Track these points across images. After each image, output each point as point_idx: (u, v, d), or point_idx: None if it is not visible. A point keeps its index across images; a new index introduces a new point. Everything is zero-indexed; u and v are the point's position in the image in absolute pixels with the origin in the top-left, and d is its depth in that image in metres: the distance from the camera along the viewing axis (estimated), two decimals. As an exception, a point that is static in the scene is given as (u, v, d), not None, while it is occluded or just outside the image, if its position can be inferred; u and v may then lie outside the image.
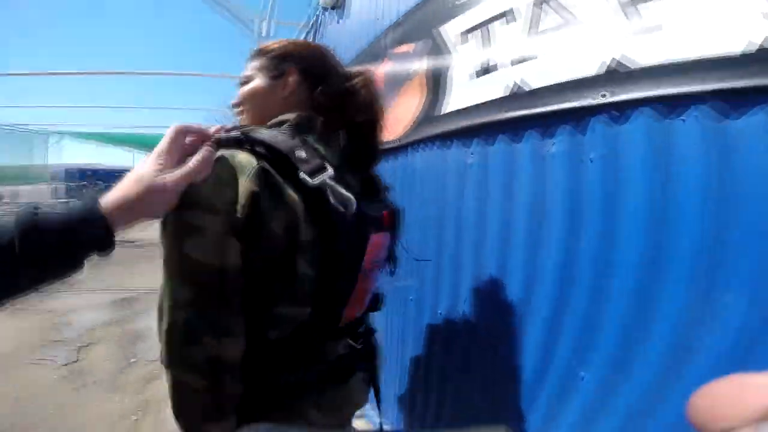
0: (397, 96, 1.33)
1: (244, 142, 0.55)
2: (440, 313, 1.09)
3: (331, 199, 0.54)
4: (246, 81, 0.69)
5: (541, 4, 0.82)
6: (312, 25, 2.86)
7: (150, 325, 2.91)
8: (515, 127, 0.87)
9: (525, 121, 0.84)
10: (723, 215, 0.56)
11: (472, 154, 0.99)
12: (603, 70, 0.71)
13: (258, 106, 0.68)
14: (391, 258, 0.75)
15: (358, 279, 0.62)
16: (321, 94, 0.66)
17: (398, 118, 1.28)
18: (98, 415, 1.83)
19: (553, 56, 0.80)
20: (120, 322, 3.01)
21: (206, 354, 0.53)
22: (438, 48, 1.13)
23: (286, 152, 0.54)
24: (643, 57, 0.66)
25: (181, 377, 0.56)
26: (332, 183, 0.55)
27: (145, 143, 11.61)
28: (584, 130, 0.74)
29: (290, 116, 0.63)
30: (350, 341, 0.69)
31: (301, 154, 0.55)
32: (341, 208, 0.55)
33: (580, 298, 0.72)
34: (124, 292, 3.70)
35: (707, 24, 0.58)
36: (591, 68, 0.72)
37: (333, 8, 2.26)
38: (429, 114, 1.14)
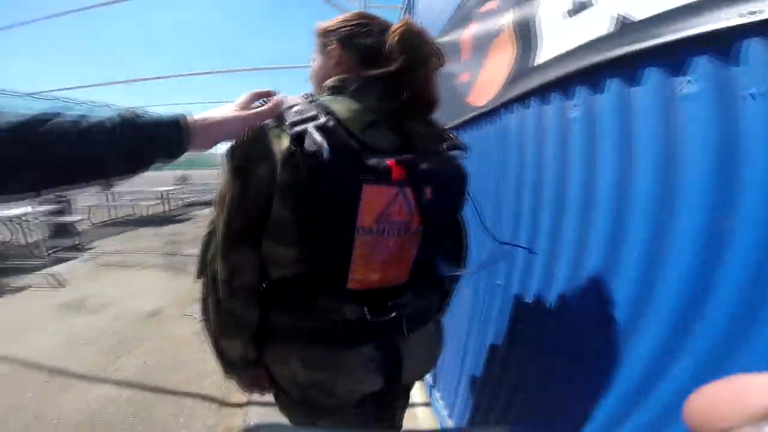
0: (485, 58, 1.21)
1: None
2: (530, 302, 1.01)
3: (306, 144, 0.59)
4: (313, 60, 0.80)
5: None
6: (405, 4, 2.79)
7: None
8: (629, 66, 0.71)
9: (640, 57, 0.67)
10: None
11: (575, 106, 0.85)
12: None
13: (318, 81, 0.77)
14: (424, 220, 0.69)
15: (353, 233, 0.63)
16: (355, 50, 0.72)
17: (489, 81, 1.18)
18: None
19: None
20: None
21: (221, 276, 0.67)
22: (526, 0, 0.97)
23: (283, 110, 0.66)
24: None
25: (204, 291, 0.74)
26: (313, 130, 0.60)
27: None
28: (735, 60, 0.55)
29: (329, 82, 0.73)
30: (365, 310, 0.68)
31: (301, 110, 0.64)
32: (319, 153, 0.58)
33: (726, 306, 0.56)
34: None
35: None
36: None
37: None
38: (522, 68, 1.01)
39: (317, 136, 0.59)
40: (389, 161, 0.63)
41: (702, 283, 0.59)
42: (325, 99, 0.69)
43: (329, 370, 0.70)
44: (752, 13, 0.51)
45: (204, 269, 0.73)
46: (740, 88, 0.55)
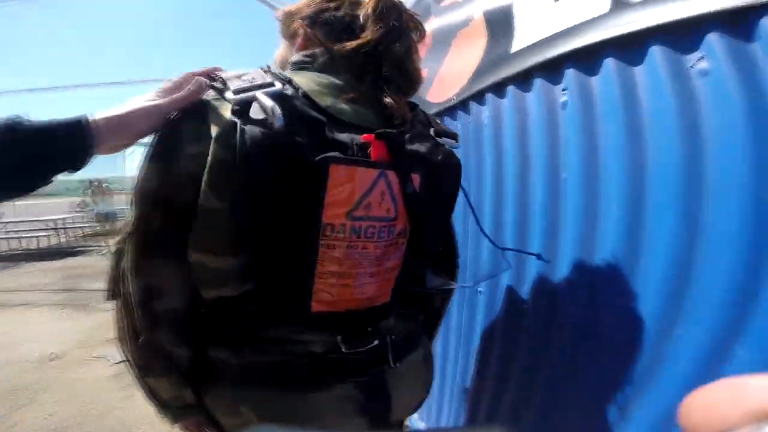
0: (447, 51, 1.14)
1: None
2: (522, 310, 0.93)
3: (251, 113, 0.46)
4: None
5: None
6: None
7: None
8: (627, 44, 0.68)
9: (644, 36, 0.65)
10: None
11: (564, 90, 0.81)
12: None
13: (283, 67, 0.67)
14: (412, 217, 0.55)
15: (316, 233, 0.48)
16: (324, 26, 0.61)
17: (454, 74, 1.11)
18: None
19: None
20: None
21: (135, 298, 0.51)
22: None
23: (228, 80, 0.51)
24: None
25: (118, 317, 0.56)
26: (262, 96, 0.46)
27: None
28: (750, 35, 0.54)
29: (294, 57, 0.62)
30: (337, 340, 0.54)
31: (252, 78, 0.51)
32: (268, 121, 0.45)
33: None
34: None
35: None
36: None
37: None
38: (496, 56, 0.95)
39: (267, 101, 0.46)
40: (365, 135, 0.51)
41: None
42: (287, 73, 0.57)
43: (294, 419, 0.54)
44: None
45: (116, 288, 0.54)
46: (757, 61, 0.53)
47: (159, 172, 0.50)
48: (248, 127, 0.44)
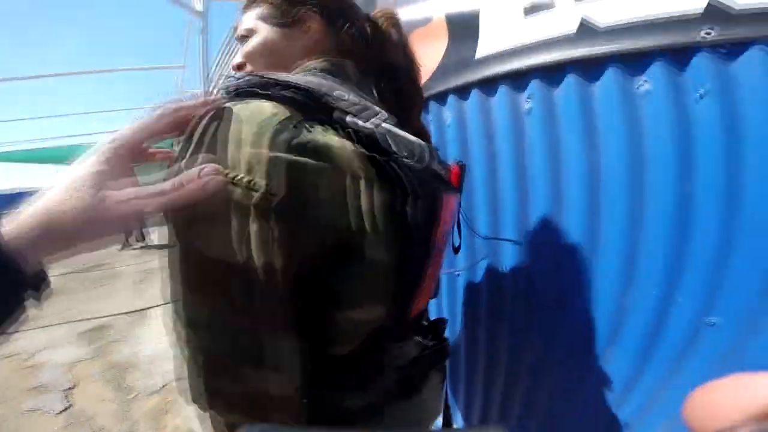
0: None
1: (261, 87, 0.39)
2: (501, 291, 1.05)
3: (393, 148, 0.41)
4: (246, 35, 0.57)
5: None
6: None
7: (135, 351, 2.55)
8: (590, 66, 0.79)
9: (603, 60, 0.77)
10: None
11: (528, 98, 0.90)
12: (703, 5, 0.65)
13: (272, 62, 0.56)
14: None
15: (429, 253, 0.51)
16: (347, 35, 0.57)
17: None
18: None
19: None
20: (98, 355, 2.67)
21: (245, 389, 0.40)
22: None
23: (325, 92, 0.41)
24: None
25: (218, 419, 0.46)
26: (390, 127, 0.43)
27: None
28: (683, 67, 0.70)
29: (316, 63, 0.53)
30: (420, 339, 0.60)
31: (343, 95, 0.43)
32: (410, 160, 0.42)
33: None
34: (87, 322, 3.26)
35: None
36: (691, 2, 0.66)
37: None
38: (460, 59, 0.98)
39: (409, 136, 0.43)
40: (452, 165, 0.59)
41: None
42: (334, 81, 0.48)
43: (420, 420, 0.59)
44: (708, 33, 0.65)
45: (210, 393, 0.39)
46: (691, 90, 0.70)
47: (283, 233, 0.36)
48: (398, 166, 0.40)
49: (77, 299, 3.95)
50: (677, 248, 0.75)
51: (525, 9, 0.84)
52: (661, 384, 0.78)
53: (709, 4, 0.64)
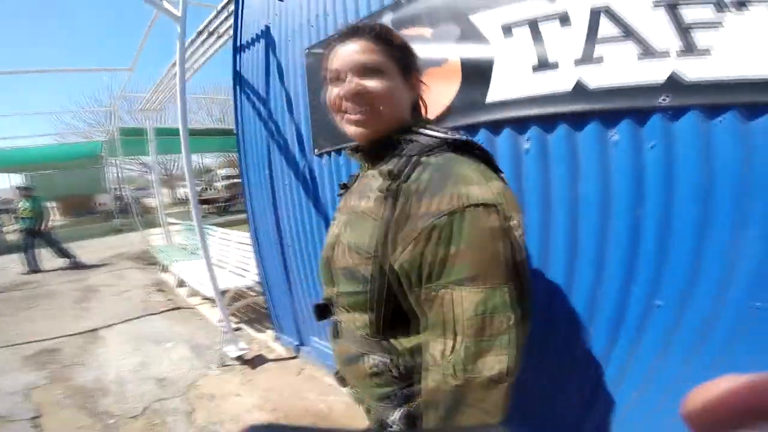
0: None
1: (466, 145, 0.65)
2: None
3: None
4: (373, 69, 0.63)
5: (597, 16, 0.96)
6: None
7: (99, 375, 2.36)
8: (578, 119, 1.04)
9: (588, 114, 1.02)
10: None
11: (528, 140, 1.13)
12: (664, 78, 0.93)
13: (394, 107, 0.66)
14: None
15: None
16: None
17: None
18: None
19: (614, 61, 0.97)
20: (56, 379, 2.40)
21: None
22: (474, 36, 1.13)
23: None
24: (692, 73, 0.90)
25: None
26: None
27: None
28: (644, 123, 0.98)
29: (453, 135, 0.67)
30: None
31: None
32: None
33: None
34: (34, 345, 2.95)
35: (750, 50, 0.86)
36: (654, 75, 0.93)
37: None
38: (471, 101, 1.17)
39: None
40: None
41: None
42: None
43: None
44: (664, 99, 0.93)
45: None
46: (645, 142, 0.98)
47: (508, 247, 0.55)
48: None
49: (11, 321, 3.56)
50: (632, 254, 1.04)
51: (533, 66, 1.06)
52: (628, 355, 1.08)
53: (669, 76, 0.92)
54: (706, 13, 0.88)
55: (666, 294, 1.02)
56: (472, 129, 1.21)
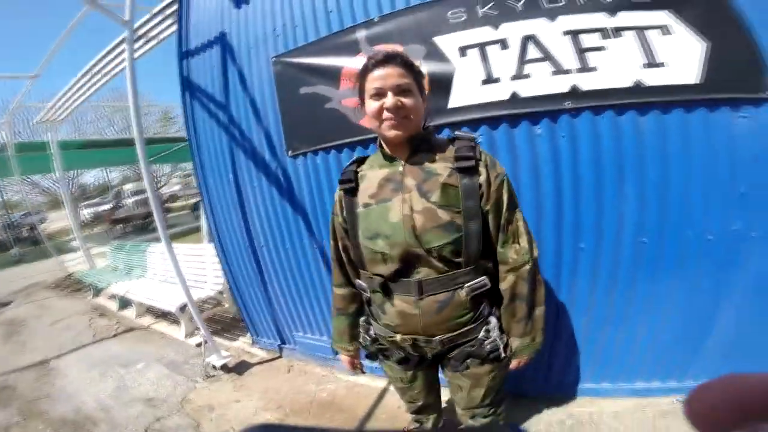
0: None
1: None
2: None
3: None
4: (405, 89, 0.87)
5: (526, 42, 1.34)
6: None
7: (76, 406, 2.24)
8: (514, 119, 1.42)
9: (521, 116, 1.40)
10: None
11: (480, 135, 1.47)
12: (568, 88, 1.34)
13: (419, 117, 0.92)
14: None
15: None
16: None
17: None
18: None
19: (537, 77, 1.36)
20: (31, 415, 2.18)
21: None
22: (437, 55, 1.44)
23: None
24: (585, 85, 1.33)
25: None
26: None
27: None
28: (556, 121, 1.39)
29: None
30: None
31: None
32: None
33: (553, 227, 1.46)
34: None
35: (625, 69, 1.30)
36: (561, 87, 1.34)
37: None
38: (436, 107, 1.47)
39: None
40: None
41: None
42: None
43: None
44: (567, 104, 1.35)
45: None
46: (558, 134, 1.40)
47: None
48: None
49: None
50: (558, 211, 1.46)
51: (482, 80, 1.41)
52: (569, 288, 1.50)
53: (571, 87, 1.33)
54: (596, 39, 1.31)
55: (585, 238, 1.46)
56: (438, 128, 1.52)
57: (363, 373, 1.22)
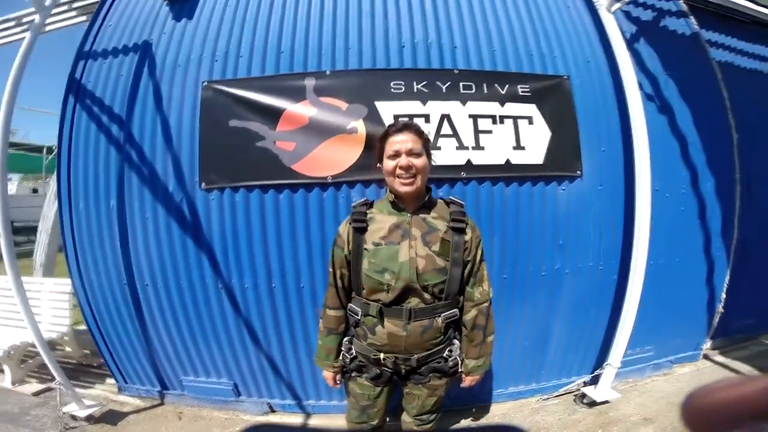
0: (325, 142, 1.70)
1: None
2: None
3: None
4: (417, 153, 1.12)
5: (443, 119, 1.74)
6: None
7: None
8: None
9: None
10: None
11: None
12: (464, 162, 1.79)
13: (426, 177, 1.17)
14: None
15: None
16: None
17: (331, 161, 1.72)
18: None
19: (446, 149, 1.77)
20: None
21: None
22: (376, 118, 1.71)
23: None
24: (476, 159, 1.80)
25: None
26: None
27: None
28: (453, 187, 1.82)
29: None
30: None
31: None
32: None
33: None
34: None
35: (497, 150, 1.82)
36: (460, 160, 1.78)
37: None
38: (368, 164, 1.71)
39: None
40: None
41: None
42: None
43: None
44: (462, 174, 1.79)
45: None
46: (459, 194, 1.83)
47: None
48: None
49: None
50: (489, 250, 1.88)
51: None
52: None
53: (467, 161, 1.78)
54: (488, 123, 1.80)
55: (507, 269, 1.91)
56: (367, 183, 1.76)
57: (338, 386, 1.33)
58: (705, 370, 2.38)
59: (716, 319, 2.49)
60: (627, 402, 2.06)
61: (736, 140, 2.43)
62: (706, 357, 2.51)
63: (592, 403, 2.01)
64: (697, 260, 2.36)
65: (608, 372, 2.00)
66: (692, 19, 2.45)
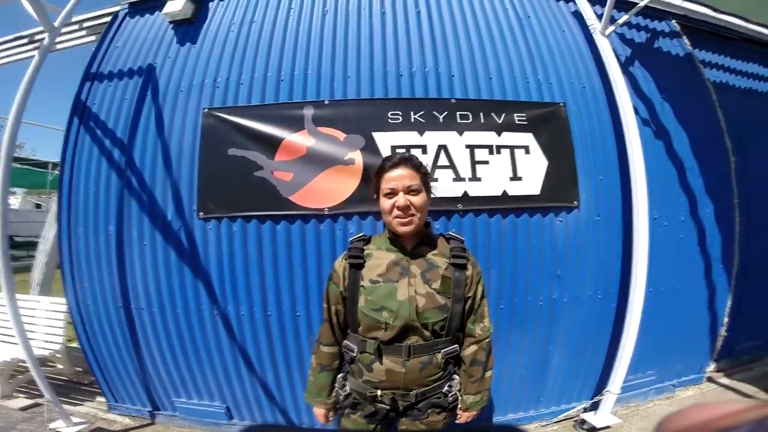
0: (323, 173, 1.71)
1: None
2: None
3: None
4: (415, 189, 1.07)
5: (440, 150, 1.74)
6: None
7: None
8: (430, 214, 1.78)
9: (434, 212, 1.78)
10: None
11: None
12: (461, 194, 1.79)
13: (424, 214, 1.12)
14: None
15: None
16: None
17: (328, 193, 1.72)
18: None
19: (443, 181, 1.77)
20: None
21: None
22: (373, 149, 1.72)
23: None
24: (473, 191, 1.80)
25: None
26: None
27: None
28: (450, 219, 1.82)
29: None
30: None
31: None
32: None
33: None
34: None
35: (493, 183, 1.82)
36: (457, 192, 1.78)
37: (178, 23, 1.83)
38: (365, 196, 1.71)
39: None
40: None
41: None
42: None
43: None
44: (459, 206, 1.79)
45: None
46: (455, 227, 1.83)
47: None
48: None
49: None
50: (487, 277, 1.87)
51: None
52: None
53: (463, 192, 1.78)
54: (485, 154, 1.80)
55: (504, 301, 1.90)
56: (364, 215, 1.76)
57: (330, 423, 1.29)
58: (708, 393, 2.34)
59: (719, 343, 2.46)
60: (628, 427, 2.03)
61: (734, 164, 2.43)
62: (710, 379, 2.45)
63: (592, 429, 1.98)
64: (698, 286, 2.34)
65: (608, 398, 1.97)
66: (685, 39, 2.46)
